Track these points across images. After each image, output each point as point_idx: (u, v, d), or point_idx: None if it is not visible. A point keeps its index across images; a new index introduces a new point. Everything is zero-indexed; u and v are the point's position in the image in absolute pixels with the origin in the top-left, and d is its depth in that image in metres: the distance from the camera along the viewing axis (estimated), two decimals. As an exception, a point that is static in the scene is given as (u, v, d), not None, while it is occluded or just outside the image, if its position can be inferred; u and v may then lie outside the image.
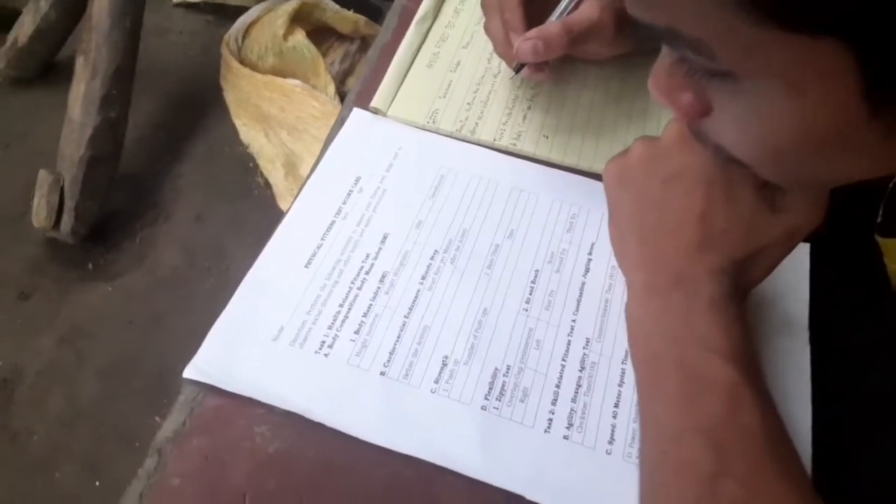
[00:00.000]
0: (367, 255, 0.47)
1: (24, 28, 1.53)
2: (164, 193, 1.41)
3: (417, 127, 0.55)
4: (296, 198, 0.50)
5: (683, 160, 0.39)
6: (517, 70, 0.53)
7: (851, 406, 0.45)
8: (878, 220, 0.48)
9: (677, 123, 0.40)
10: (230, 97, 1.53)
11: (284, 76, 1.50)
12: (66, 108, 1.28)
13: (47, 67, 1.59)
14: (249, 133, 1.48)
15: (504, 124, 0.56)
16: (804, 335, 0.45)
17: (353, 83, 1.60)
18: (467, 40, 0.62)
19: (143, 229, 1.36)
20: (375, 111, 0.56)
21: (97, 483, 1.07)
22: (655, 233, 0.40)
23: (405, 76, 0.59)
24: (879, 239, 0.48)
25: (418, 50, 0.61)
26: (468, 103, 0.57)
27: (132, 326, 1.22)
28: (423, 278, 0.47)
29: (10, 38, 1.54)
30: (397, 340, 0.43)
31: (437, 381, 0.42)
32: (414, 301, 0.45)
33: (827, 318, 0.47)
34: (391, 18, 0.66)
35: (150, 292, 1.27)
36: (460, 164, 0.53)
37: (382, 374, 0.42)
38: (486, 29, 0.55)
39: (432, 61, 0.60)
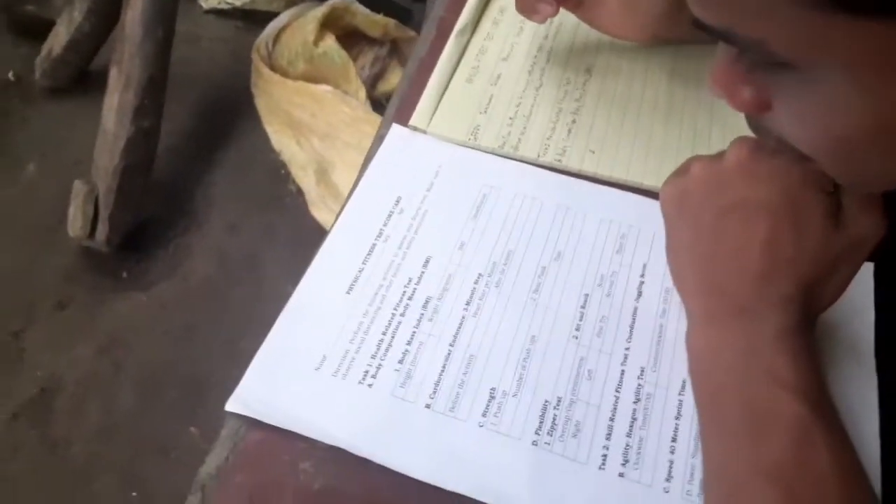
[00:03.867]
0: (410, 280, 0.46)
1: (58, 38, 1.54)
2: (197, 202, 1.41)
3: (458, 144, 0.54)
4: (336, 219, 0.49)
5: (746, 191, 0.37)
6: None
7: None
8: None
9: (740, 148, 0.38)
10: (261, 104, 1.52)
11: (315, 82, 1.49)
12: (99, 118, 1.28)
13: (81, 77, 1.60)
14: (281, 140, 1.47)
15: (548, 139, 0.54)
16: (871, 363, 0.43)
17: (383, 87, 1.59)
18: (507, 52, 0.61)
19: (177, 238, 1.36)
20: (415, 129, 0.55)
21: (134, 494, 1.07)
22: (714, 261, 0.38)
23: (444, 91, 0.57)
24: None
25: (458, 64, 0.59)
26: (510, 118, 0.56)
27: (166, 336, 1.23)
28: (468, 304, 0.45)
29: (45, 48, 1.55)
30: (442, 371, 0.42)
31: (484, 415, 0.40)
32: (459, 328, 0.44)
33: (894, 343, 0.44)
34: (429, 30, 0.64)
35: (183, 301, 1.27)
36: (503, 182, 0.51)
37: (428, 406, 0.41)
38: None
39: (472, 75, 0.59)
